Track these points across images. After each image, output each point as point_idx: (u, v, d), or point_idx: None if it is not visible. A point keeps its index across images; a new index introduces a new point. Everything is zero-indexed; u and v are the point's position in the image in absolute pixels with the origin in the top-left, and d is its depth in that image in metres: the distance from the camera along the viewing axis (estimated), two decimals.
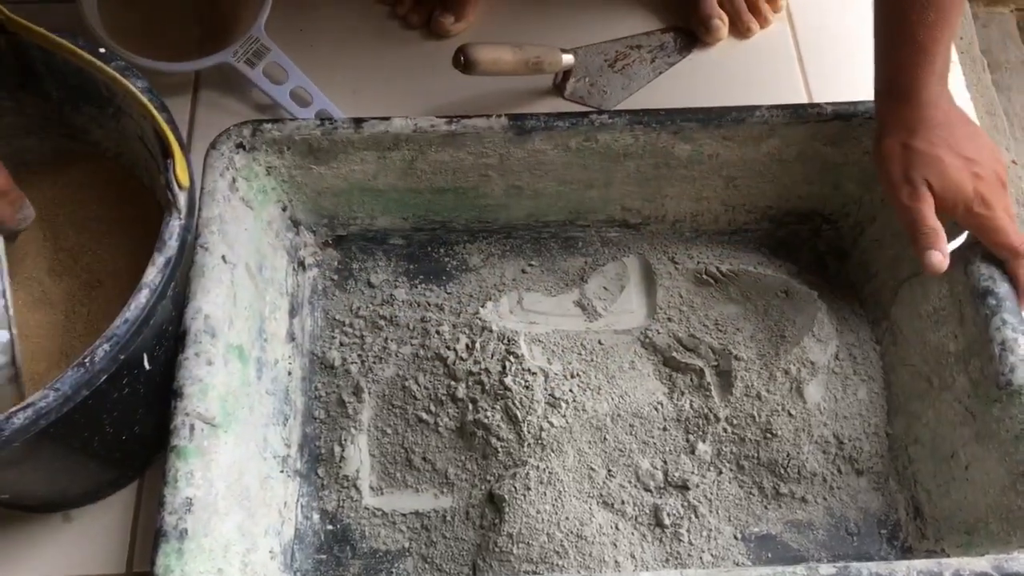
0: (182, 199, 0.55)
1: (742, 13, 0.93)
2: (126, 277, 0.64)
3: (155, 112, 0.56)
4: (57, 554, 0.68)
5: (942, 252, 0.62)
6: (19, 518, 0.69)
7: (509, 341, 0.70)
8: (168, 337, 0.61)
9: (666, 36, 0.93)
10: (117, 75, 0.57)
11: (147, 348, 0.56)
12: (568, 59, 0.86)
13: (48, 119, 0.62)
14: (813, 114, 0.71)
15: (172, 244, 0.54)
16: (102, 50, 0.58)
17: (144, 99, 0.56)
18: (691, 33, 0.93)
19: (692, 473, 0.68)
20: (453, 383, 0.70)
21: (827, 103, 0.72)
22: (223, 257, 0.65)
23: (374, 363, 0.72)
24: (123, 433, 0.62)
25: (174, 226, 0.55)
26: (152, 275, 0.53)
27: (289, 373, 0.71)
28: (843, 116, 0.71)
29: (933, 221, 0.62)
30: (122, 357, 0.51)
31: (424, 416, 0.69)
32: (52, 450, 0.57)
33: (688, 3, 0.93)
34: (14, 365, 0.59)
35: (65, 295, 0.64)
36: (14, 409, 0.48)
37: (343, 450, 0.69)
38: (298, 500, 0.67)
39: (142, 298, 0.52)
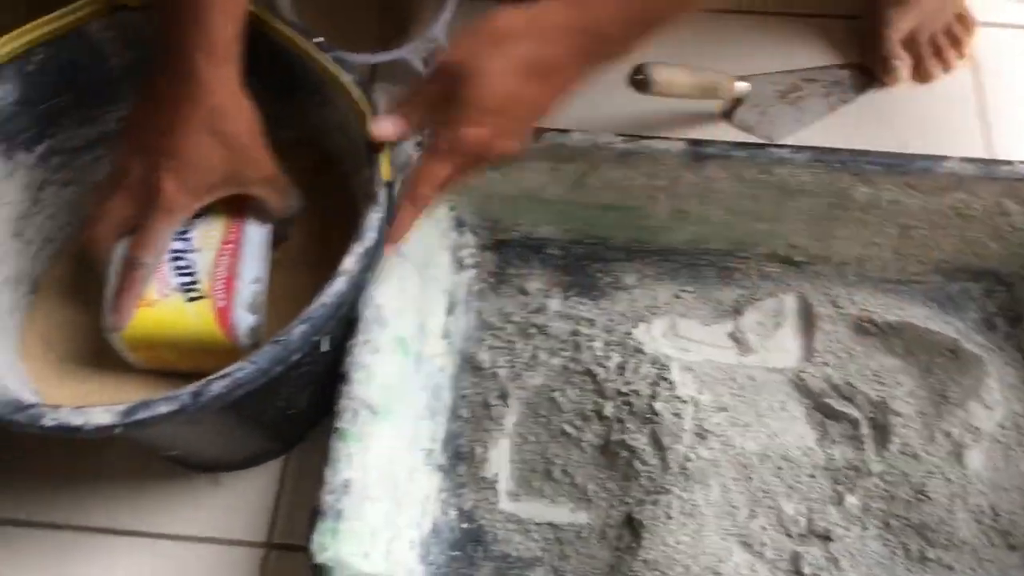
0: (383, 193, 0.57)
1: (925, 57, 0.90)
2: (313, 262, 0.67)
3: (365, 106, 0.58)
4: (203, 514, 0.70)
5: None
6: (174, 476, 0.72)
7: (662, 366, 0.70)
8: (343, 324, 0.63)
9: (843, 72, 0.91)
10: (330, 67, 0.59)
11: (329, 331, 0.58)
12: (743, 87, 0.86)
13: (265, 104, 0.65)
14: (1006, 171, 0.68)
15: (371, 235, 0.56)
16: (317, 39, 0.61)
17: (355, 93, 0.58)
18: (869, 72, 0.91)
19: (837, 524, 0.66)
20: (601, 400, 0.70)
21: (1021, 161, 0.69)
22: (398, 251, 0.66)
23: (523, 370, 0.73)
24: (290, 408, 0.64)
25: (374, 218, 0.56)
26: (350, 263, 0.54)
27: (441, 370, 0.72)
28: None
29: None
30: (315, 338, 0.53)
31: (568, 429, 0.70)
32: (228, 417, 0.59)
33: (869, 41, 0.91)
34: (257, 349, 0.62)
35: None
36: (212, 377, 0.50)
37: (485, 452, 0.70)
38: (438, 495, 0.69)
39: (340, 284, 0.54)
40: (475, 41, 0.55)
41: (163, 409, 0.50)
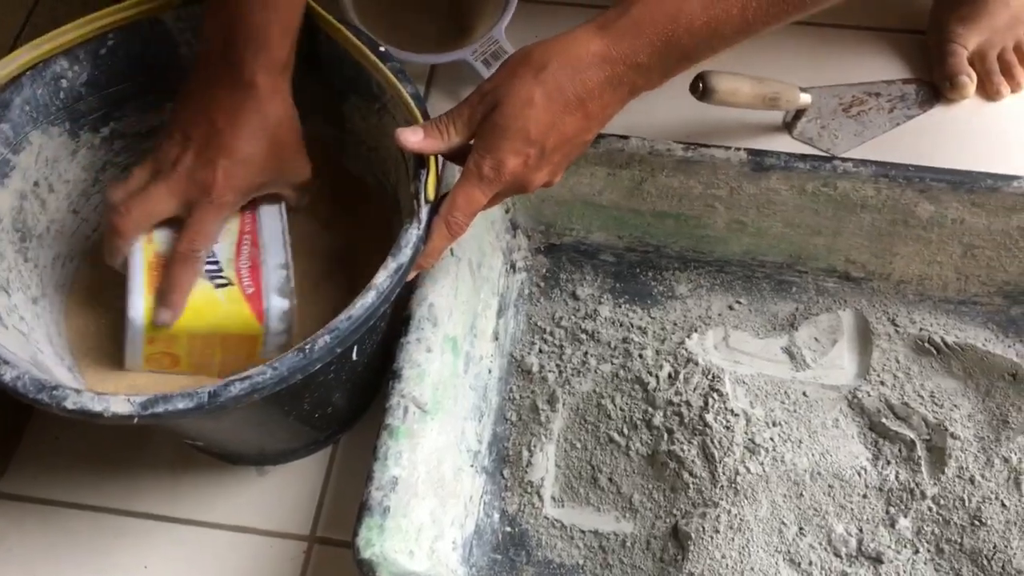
0: (425, 211, 0.57)
1: (993, 74, 0.88)
2: (346, 266, 0.67)
3: (421, 121, 0.57)
4: (247, 506, 0.71)
5: None
6: (219, 466, 0.72)
7: (714, 377, 0.69)
8: (377, 332, 0.63)
9: (908, 87, 0.90)
10: (392, 76, 0.59)
11: (360, 341, 0.58)
12: (806, 98, 0.84)
13: (316, 101, 0.65)
14: None
15: (407, 252, 0.55)
16: (382, 48, 0.61)
17: (413, 105, 0.58)
18: (935, 88, 0.89)
19: (888, 547, 0.64)
20: (651, 409, 0.69)
21: None
22: (451, 250, 0.66)
23: (572, 375, 0.72)
24: (317, 411, 0.64)
25: (412, 235, 0.56)
26: (382, 278, 0.54)
27: (489, 371, 0.72)
28: None
29: None
30: (339, 350, 0.53)
31: (616, 437, 0.69)
32: (249, 414, 0.59)
33: (936, 56, 0.89)
34: (288, 333, 0.62)
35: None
36: (232, 378, 0.51)
37: (531, 456, 0.70)
38: (482, 496, 0.68)
39: (369, 299, 0.53)
40: (514, 71, 0.55)
41: (180, 405, 0.51)
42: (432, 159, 0.58)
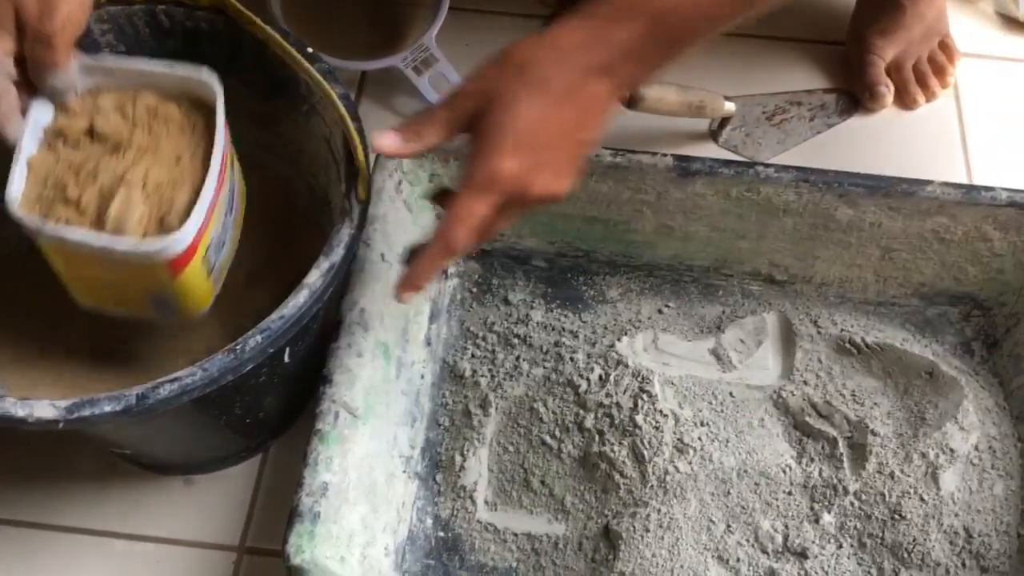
0: (357, 211, 0.56)
1: (909, 84, 0.92)
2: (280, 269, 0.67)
3: (350, 123, 0.57)
4: (175, 517, 0.70)
5: None
6: (145, 477, 0.71)
7: (643, 379, 0.70)
8: (310, 334, 0.62)
9: (828, 97, 0.93)
10: (320, 78, 0.59)
11: (291, 343, 0.58)
12: (730, 107, 0.86)
13: (243, 105, 0.64)
14: (987, 197, 0.69)
15: (339, 251, 0.55)
16: (309, 50, 0.60)
17: (341, 106, 0.58)
18: (854, 97, 0.92)
19: (813, 542, 0.66)
20: (582, 412, 0.70)
21: (1003, 188, 0.70)
22: (382, 255, 0.66)
23: (504, 379, 0.73)
24: (247, 417, 0.64)
25: (344, 234, 0.56)
26: (315, 277, 0.54)
27: (422, 377, 0.72)
28: (1018, 204, 0.69)
29: None
30: (271, 351, 0.52)
31: (548, 440, 0.70)
32: (178, 419, 0.58)
33: (855, 67, 0.92)
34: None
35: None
36: (161, 380, 0.50)
37: (463, 460, 0.70)
38: (415, 502, 0.68)
39: (301, 298, 0.53)
40: (497, 69, 0.52)
41: (107, 408, 0.50)
42: (362, 159, 0.58)
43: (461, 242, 0.52)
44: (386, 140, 0.52)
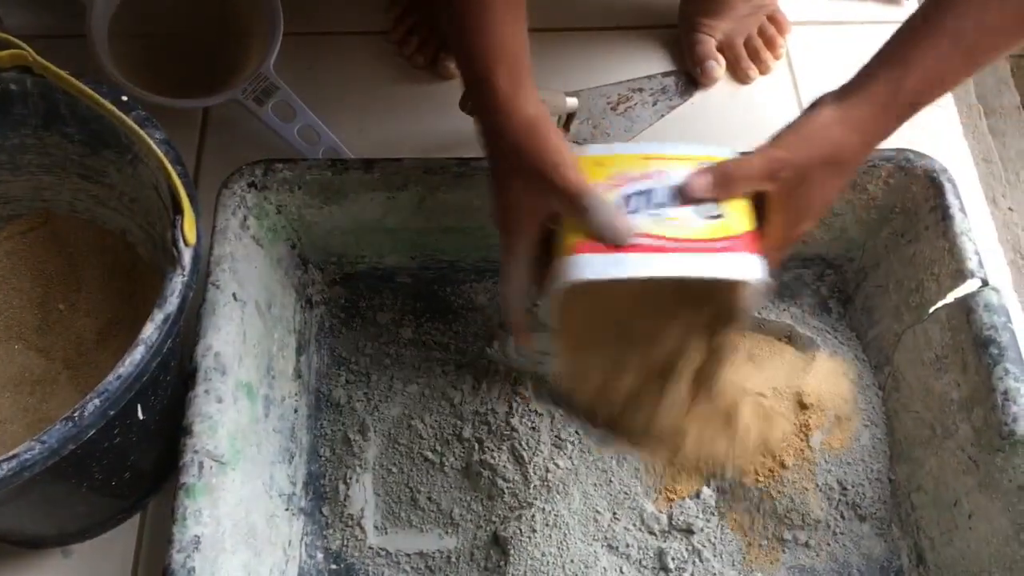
0: (187, 256, 0.55)
1: (741, 59, 0.94)
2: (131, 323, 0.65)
3: (169, 166, 0.56)
4: None
5: None
6: (17, 553, 0.68)
7: (515, 381, 0.71)
8: (164, 386, 0.61)
9: (668, 80, 0.95)
10: (135, 127, 0.57)
11: (142, 399, 0.56)
12: (572, 102, 0.87)
13: (68, 160, 0.62)
14: None
15: (173, 301, 0.54)
16: (124, 98, 0.59)
17: (160, 152, 0.56)
18: (692, 77, 0.95)
19: (696, 517, 0.68)
20: (459, 423, 0.70)
21: None
22: (233, 295, 0.65)
23: (380, 401, 0.72)
24: (112, 479, 0.62)
25: (176, 283, 0.54)
26: (150, 331, 0.52)
27: (295, 411, 0.71)
28: None
29: None
30: (112, 412, 0.50)
31: (430, 455, 0.70)
32: (33, 493, 0.56)
33: (686, 47, 0.95)
34: None
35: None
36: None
37: (348, 488, 0.69)
38: (302, 539, 0.67)
39: (137, 355, 0.51)
40: (815, 155, 0.58)
41: None
42: (187, 202, 0.56)
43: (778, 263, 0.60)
44: (702, 183, 0.57)
